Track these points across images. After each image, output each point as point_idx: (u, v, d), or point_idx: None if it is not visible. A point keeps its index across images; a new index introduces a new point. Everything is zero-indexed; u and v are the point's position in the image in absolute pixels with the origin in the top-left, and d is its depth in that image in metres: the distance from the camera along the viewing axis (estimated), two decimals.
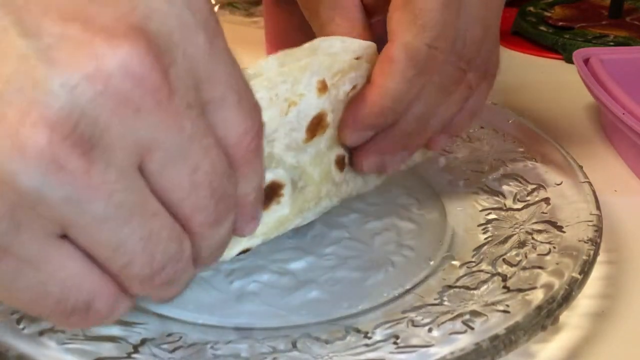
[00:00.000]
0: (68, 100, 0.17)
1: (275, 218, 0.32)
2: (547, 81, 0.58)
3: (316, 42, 0.33)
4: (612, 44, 0.61)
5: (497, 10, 0.34)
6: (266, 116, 0.26)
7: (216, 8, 0.69)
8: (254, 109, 0.23)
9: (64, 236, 0.20)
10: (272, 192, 0.32)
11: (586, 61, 0.49)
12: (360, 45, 0.33)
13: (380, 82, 0.32)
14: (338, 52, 0.33)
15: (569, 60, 0.59)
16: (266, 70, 0.31)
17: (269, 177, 0.31)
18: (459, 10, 0.32)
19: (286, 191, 0.32)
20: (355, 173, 0.36)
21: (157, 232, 0.21)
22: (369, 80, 0.33)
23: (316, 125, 0.32)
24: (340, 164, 0.35)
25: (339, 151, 0.35)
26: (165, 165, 0.20)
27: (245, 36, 0.63)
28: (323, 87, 0.31)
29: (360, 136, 0.34)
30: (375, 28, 0.36)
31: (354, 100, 0.33)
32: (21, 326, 0.29)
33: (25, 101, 0.17)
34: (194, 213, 0.22)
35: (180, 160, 0.20)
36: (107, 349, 0.28)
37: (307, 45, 0.33)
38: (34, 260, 0.20)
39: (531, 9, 0.69)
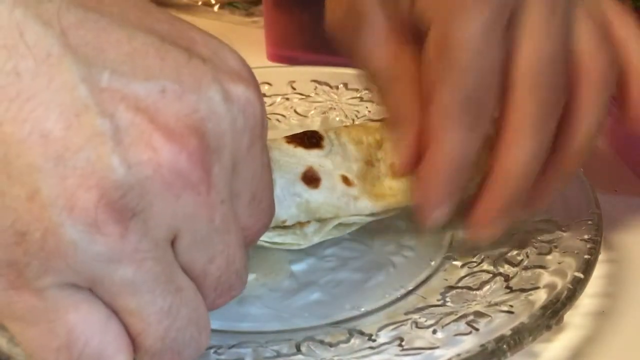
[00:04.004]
0: (122, 175, 0.20)
1: None
2: None
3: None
4: None
5: None
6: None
7: (216, 8, 0.69)
8: (262, 211, 0.25)
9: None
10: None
11: None
12: None
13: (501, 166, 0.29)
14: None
15: None
16: None
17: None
18: None
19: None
20: None
21: (176, 308, 0.22)
22: None
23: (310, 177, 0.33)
24: None
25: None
26: (190, 248, 0.22)
27: (245, 36, 0.63)
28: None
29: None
30: None
31: (474, 206, 0.31)
32: None
33: (88, 170, 0.20)
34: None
35: (203, 248, 0.22)
36: None
37: None
38: (50, 301, 0.21)
39: None
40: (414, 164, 0.31)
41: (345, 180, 0.34)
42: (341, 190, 0.33)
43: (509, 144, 0.29)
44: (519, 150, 0.29)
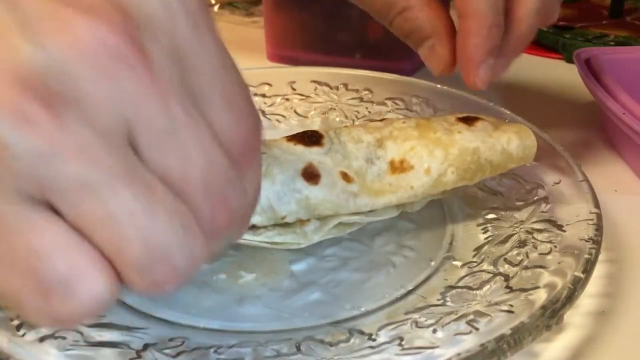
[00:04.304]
0: (40, 61, 0.18)
1: None
2: (547, 81, 0.58)
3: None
4: (612, 43, 0.61)
5: None
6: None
7: (216, 8, 0.70)
8: (241, 113, 0.21)
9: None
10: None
11: (586, 61, 0.49)
12: None
13: (470, 9, 0.34)
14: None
15: (569, 60, 0.59)
16: None
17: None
18: None
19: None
20: None
21: (151, 208, 0.19)
22: None
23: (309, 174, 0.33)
24: None
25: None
26: (152, 143, 0.19)
27: (245, 36, 0.63)
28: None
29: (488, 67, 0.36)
30: None
31: (459, 49, 0.36)
32: (21, 333, 0.29)
33: (0, 61, 0.18)
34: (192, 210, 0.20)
35: (170, 145, 0.19)
36: (109, 355, 0.28)
37: None
38: (4, 222, 0.19)
39: None
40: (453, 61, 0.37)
41: (345, 176, 0.34)
42: (341, 187, 0.33)
43: None
44: None
